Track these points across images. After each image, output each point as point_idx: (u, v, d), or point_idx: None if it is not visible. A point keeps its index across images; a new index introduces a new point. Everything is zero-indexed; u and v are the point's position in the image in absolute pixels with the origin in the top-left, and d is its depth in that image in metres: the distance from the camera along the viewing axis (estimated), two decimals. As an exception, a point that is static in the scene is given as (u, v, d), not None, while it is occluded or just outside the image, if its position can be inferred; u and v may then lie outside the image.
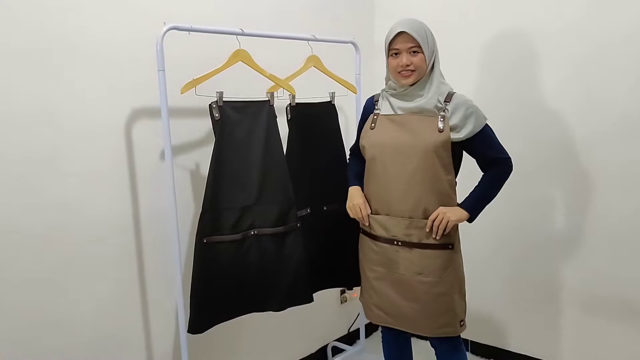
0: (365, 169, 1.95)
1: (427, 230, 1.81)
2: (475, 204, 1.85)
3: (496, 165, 1.85)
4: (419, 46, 1.76)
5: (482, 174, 1.88)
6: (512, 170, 1.86)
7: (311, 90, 2.25)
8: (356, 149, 2.04)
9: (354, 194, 1.98)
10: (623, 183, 2.23)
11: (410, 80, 1.81)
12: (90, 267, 1.82)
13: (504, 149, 1.86)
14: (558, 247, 2.44)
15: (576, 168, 2.34)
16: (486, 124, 1.82)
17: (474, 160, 1.88)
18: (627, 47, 2.15)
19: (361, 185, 1.98)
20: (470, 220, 1.85)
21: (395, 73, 1.82)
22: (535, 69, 2.39)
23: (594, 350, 2.41)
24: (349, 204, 1.98)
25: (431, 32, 1.81)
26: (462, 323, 1.90)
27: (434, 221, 1.80)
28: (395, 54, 1.80)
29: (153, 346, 2.04)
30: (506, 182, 1.86)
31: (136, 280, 1.96)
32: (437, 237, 1.81)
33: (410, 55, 1.78)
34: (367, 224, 1.93)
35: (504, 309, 2.67)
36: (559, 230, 2.43)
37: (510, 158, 1.85)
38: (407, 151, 1.81)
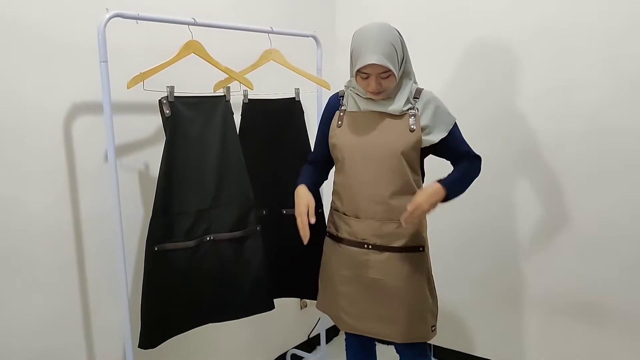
0: (335, 169, 1.88)
1: (402, 221, 1.69)
2: (453, 183, 1.75)
3: (467, 159, 1.81)
4: (390, 70, 1.65)
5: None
6: (480, 170, 1.82)
7: (275, 87, 2.15)
8: (315, 158, 1.95)
9: (302, 194, 1.82)
10: (590, 185, 2.21)
11: (380, 97, 1.74)
12: (26, 275, 1.66)
13: (472, 148, 1.83)
14: (524, 250, 2.42)
15: (543, 169, 2.31)
16: (454, 123, 1.78)
17: (442, 161, 1.83)
18: (598, 47, 2.12)
19: (309, 185, 1.86)
20: (445, 199, 1.74)
21: (365, 91, 1.74)
22: (506, 71, 2.35)
23: (559, 353, 2.40)
24: (296, 209, 1.82)
25: (400, 39, 1.70)
26: (433, 328, 1.84)
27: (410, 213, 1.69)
28: (365, 75, 1.68)
29: (97, 363, 1.88)
30: (474, 181, 1.81)
31: (77, 290, 1.81)
32: (407, 226, 1.70)
33: (380, 79, 1.68)
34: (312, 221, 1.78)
35: (469, 313, 2.63)
36: (526, 232, 2.40)
37: (480, 157, 1.82)
38: (376, 151, 1.74)
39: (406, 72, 1.76)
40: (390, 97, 1.75)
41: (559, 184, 2.28)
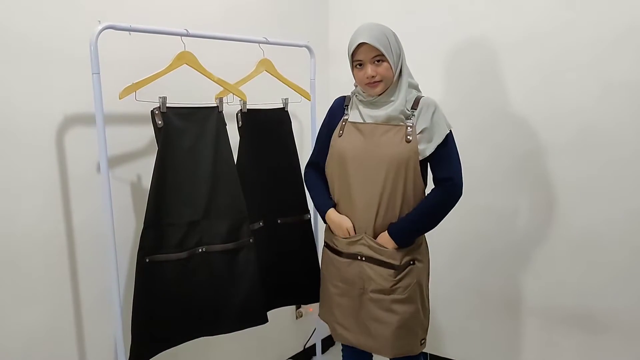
0: (329, 179, 1.86)
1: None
2: (404, 232, 1.73)
3: (443, 186, 1.74)
4: (383, 54, 1.67)
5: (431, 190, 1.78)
6: (459, 196, 1.74)
7: (266, 96, 2.13)
8: (319, 161, 1.91)
9: (339, 221, 1.82)
10: (584, 193, 2.21)
11: (378, 89, 1.73)
12: (17, 289, 1.64)
13: (458, 169, 1.74)
14: (518, 258, 2.41)
15: (537, 178, 2.31)
16: (448, 134, 1.74)
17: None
18: (591, 57, 2.13)
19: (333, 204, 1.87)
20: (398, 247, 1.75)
21: (363, 84, 1.74)
22: (498, 78, 2.35)
23: (553, 361, 2.38)
24: (339, 233, 1.83)
25: (395, 36, 1.73)
26: (422, 342, 1.83)
27: None
28: (359, 65, 1.71)
29: (89, 376, 1.86)
30: (453, 208, 1.75)
31: (70, 304, 1.79)
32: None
33: (374, 66, 1.69)
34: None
35: (463, 321, 2.62)
36: (520, 240, 2.39)
37: (459, 183, 1.74)
38: (372, 163, 1.73)
39: (404, 74, 1.75)
40: (389, 97, 1.74)
41: (551, 192, 2.28)
